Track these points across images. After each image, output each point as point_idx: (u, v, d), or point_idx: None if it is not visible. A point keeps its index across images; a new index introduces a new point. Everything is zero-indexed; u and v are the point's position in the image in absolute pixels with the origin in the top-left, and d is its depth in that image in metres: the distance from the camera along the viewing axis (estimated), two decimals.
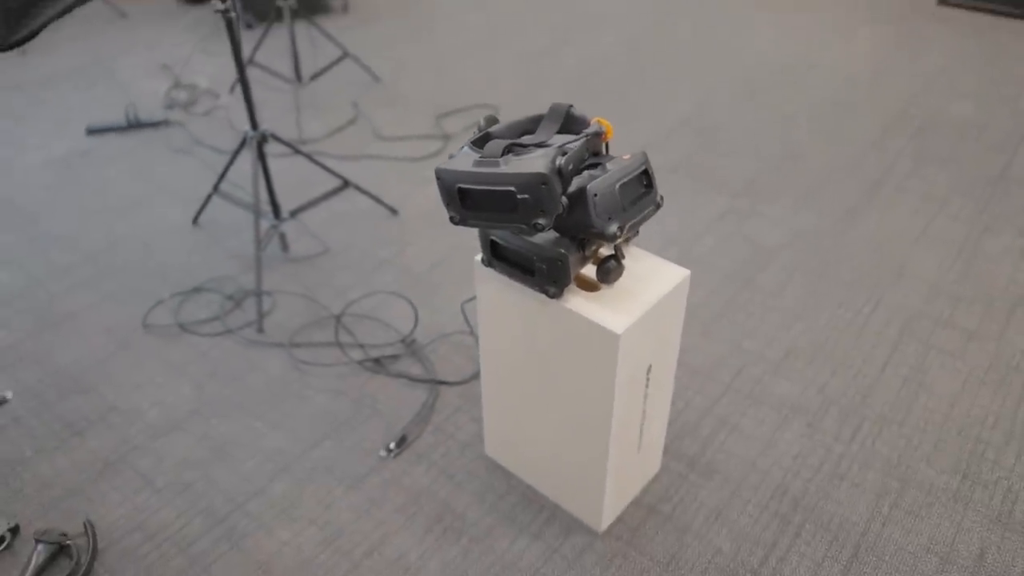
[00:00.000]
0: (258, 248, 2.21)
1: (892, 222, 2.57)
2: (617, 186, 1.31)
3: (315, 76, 3.34)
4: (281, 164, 2.93)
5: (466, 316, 2.19)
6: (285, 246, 2.43)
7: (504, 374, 1.62)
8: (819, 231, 2.53)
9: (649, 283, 1.44)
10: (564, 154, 1.24)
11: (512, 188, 1.22)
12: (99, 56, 3.86)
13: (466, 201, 1.29)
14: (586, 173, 1.32)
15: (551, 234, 1.38)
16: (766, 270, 2.36)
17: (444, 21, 4.23)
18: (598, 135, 1.35)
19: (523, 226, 1.26)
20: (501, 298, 1.51)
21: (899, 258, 2.40)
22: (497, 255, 1.46)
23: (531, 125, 1.43)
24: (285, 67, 3.64)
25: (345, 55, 3.40)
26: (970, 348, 2.06)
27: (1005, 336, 2.09)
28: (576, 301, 1.39)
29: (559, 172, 1.22)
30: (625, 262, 1.49)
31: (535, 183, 1.20)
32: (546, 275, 1.37)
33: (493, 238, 1.43)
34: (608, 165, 1.33)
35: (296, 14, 4.14)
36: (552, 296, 1.39)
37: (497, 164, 1.24)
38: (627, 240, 1.48)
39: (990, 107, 3.25)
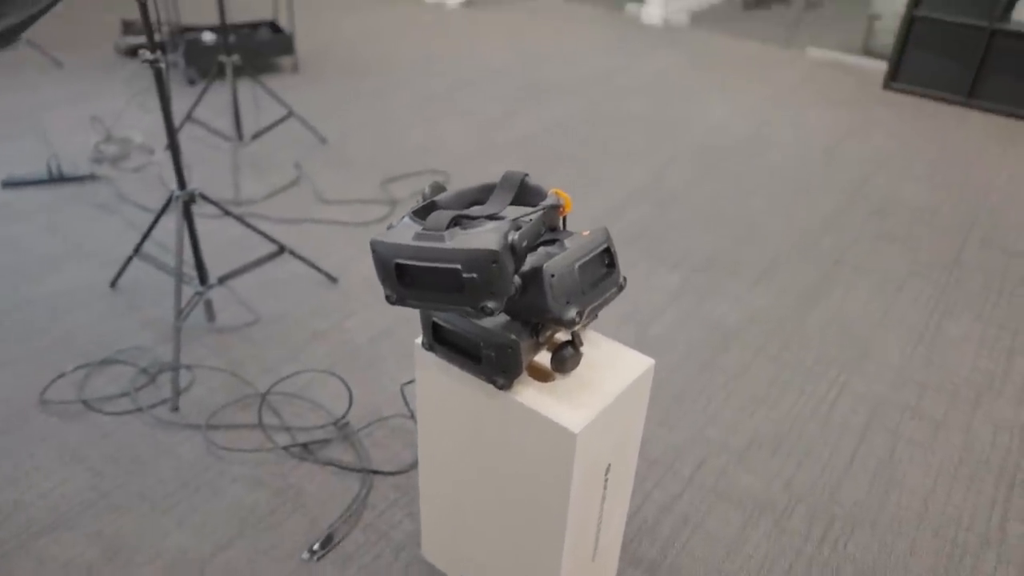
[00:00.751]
0: (178, 317, 2.01)
1: (853, 304, 2.49)
2: (576, 266, 1.17)
3: (257, 135, 3.19)
4: (212, 226, 2.75)
5: (406, 399, 2.00)
6: (211, 315, 2.23)
7: (445, 468, 1.44)
8: (780, 311, 2.44)
9: (609, 372, 1.29)
10: (518, 228, 1.10)
11: (458, 266, 1.07)
12: (28, 106, 3.65)
13: (405, 278, 1.14)
14: (542, 250, 1.18)
15: (501, 317, 1.23)
16: (727, 351, 2.25)
17: (396, 85, 4.14)
18: (555, 208, 1.22)
19: (469, 309, 1.11)
20: (443, 386, 1.34)
21: (862, 342, 2.31)
22: (440, 339, 1.29)
23: (481, 195, 1.30)
24: (227, 125, 3.48)
25: (290, 114, 3.26)
26: (939, 439, 1.95)
27: (972, 428, 2.00)
28: (528, 393, 1.23)
29: (512, 249, 1.08)
30: (583, 349, 1.34)
31: (484, 261, 1.06)
32: (494, 363, 1.21)
33: (436, 320, 1.27)
34: (567, 242, 1.19)
35: (242, 71, 4.01)
36: (500, 387, 1.23)
37: (441, 238, 1.09)
38: (585, 325, 1.34)
39: (941, 190, 3.26)
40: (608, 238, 1.24)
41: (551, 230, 1.24)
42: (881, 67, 4.59)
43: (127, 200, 2.88)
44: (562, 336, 1.35)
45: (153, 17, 4.81)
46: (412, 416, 1.94)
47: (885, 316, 2.43)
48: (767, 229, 2.91)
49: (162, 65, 1.86)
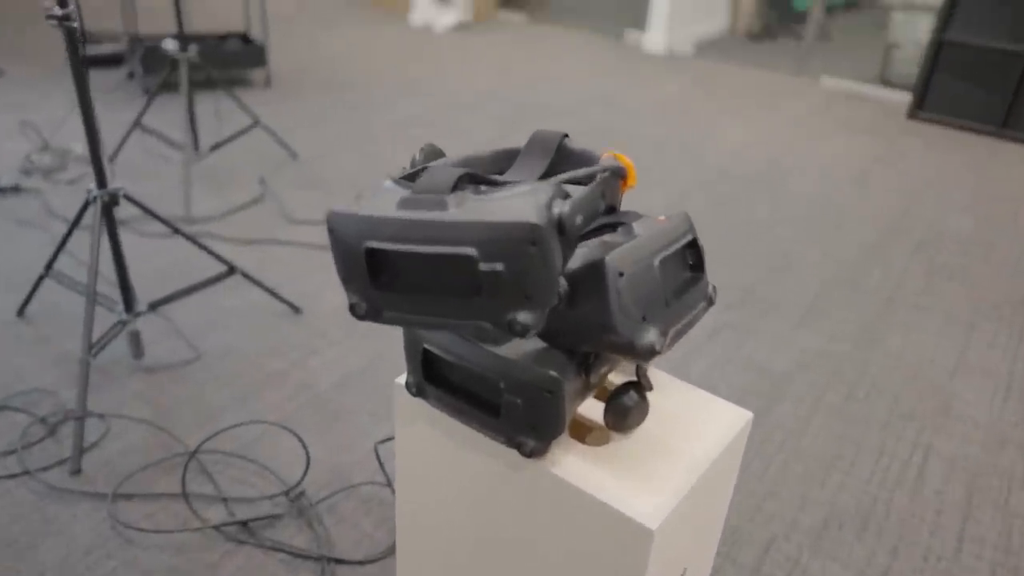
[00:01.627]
0: (87, 350, 1.55)
1: (919, 347, 2.08)
2: (656, 263, 0.75)
3: (217, 146, 2.77)
4: (156, 245, 2.30)
5: (381, 462, 1.55)
6: (138, 350, 1.77)
7: (434, 558, 0.99)
8: (835, 354, 2.03)
9: (688, 430, 0.86)
10: (565, 197, 0.68)
11: (471, 251, 0.65)
12: None
13: (382, 274, 0.71)
14: (596, 241, 0.76)
15: (532, 343, 0.80)
16: (780, 402, 1.82)
17: (378, 105, 3.76)
18: (616, 175, 0.80)
19: (487, 325, 0.68)
20: (436, 448, 0.90)
21: (940, 392, 1.90)
22: (434, 376, 0.86)
23: (499, 163, 0.88)
24: (182, 135, 3.05)
25: (256, 124, 2.85)
26: None
27: None
28: (571, 463, 0.80)
29: (559, 226, 0.66)
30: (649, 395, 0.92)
31: (517, 242, 0.64)
32: (522, 416, 0.78)
33: (428, 346, 0.84)
34: (635, 227, 0.78)
35: (205, 83, 3.61)
36: (530, 453, 0.79)
37: (443, 204, 0.67)
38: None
39: (989, 224, 2.90)
40: (692, 227, 0.82)
41: (611, 210, 0.82)
42: (902, 96, 4.29)
43: (56, 215, 2.43)
44: (617, 376, 0.92)
45: (111, 26, 4.42)
46: (389, 485, 1.49)
47: (960, 362, 2.03)
48: (802, 262, 2.51)
49: (74, 24, 1.45)
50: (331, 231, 0.71)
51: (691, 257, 0.82)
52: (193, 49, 2.67)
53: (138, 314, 1.74)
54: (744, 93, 4.37)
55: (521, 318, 0.66)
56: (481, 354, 0.79)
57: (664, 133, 3.63)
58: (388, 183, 0.72)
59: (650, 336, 0.72)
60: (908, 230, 2.80)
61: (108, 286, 2.05)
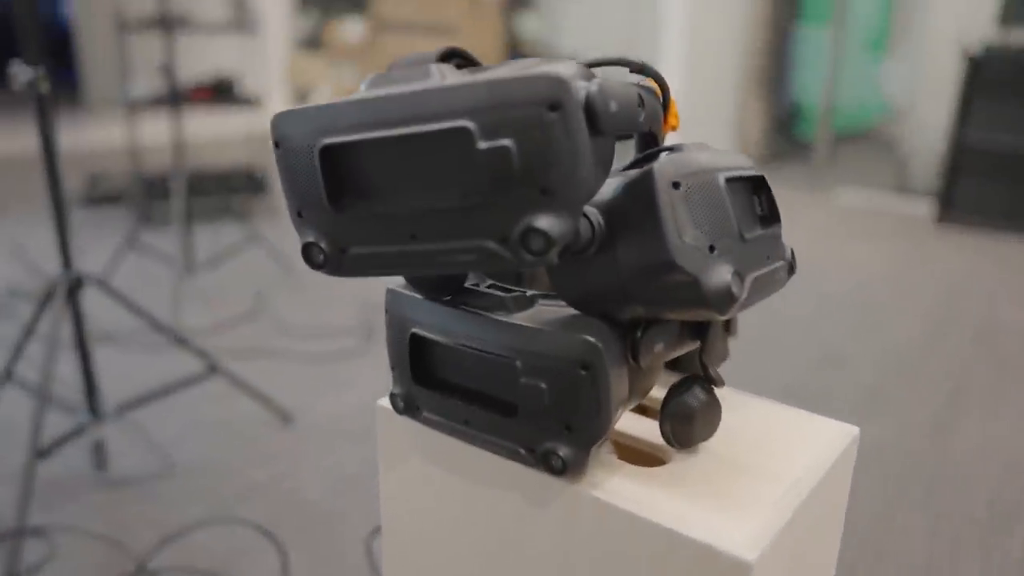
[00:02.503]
0: (32, 455, 1.32)
1: (1004, 437, 1.81)
2: (723, 180, 0.55)
3: (213, 260, 2.64)
4: (132, 349, 2.10)
5: (373, 558, 1.27)
6: (100, 460, 1.53)
7: None
8: (906, 445, 1.75)
9: (774, 448, 0.63)
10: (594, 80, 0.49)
11: (466, 123, 0.45)
12: None
13: (347, 190, 0.51)
14: (636, 171, 0.56)
15: (559, 310, 0.59)
16: (853, 498, 1.53)
17: None
18: (653, 93, 0.62)
19: (492, 244, 0.47)
20: (432, 488, 0.67)
21: None
22: (427, 377, 0.64)
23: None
24: (175, 250, 2.94)
25: (253, 237, 2.73)
26: None
27: None
28: (619, 485, 0.57)
29: (588, 108, 0.47)
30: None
31: (532, 105, 0.44)
32: (547, 409, 0.56)
33: (418, 330, 0.62)
34: (688, 148, 0.58)
35: (209, 212, 3.55)
36: (563, 469, 0.56)
37: (427, 74, 0.48)
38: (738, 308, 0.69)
39: None
40: (754, 165, 0.62)
41: (646, 144, 0.63)
42: (924, 204, 4.19)
43: (17, 293, 2.26)
44: (664, 381, 0.69)
45: (113, 165, 4.47)
46: None
47: None
48: (848, 356, 2.28)
49: (42, 90, 1.34)
50: (276, 142, 0.52)
51: (762, 204, 0.62)
52: (184, 173, 2.61)
53: (102, 417, 1.52)
54: None
55: (541, 224, 0.45)
56: (489, 327, 0.57)
57: None
58: (369, 78, 0.54)
59: (722, 273, 0.51)
60: (959, 323, 2.57)
61: (76, 393, 1.84)
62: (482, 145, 0.45)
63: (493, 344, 0.57)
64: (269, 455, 1.65)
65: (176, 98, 2.66)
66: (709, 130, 5.39)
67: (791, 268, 0.64)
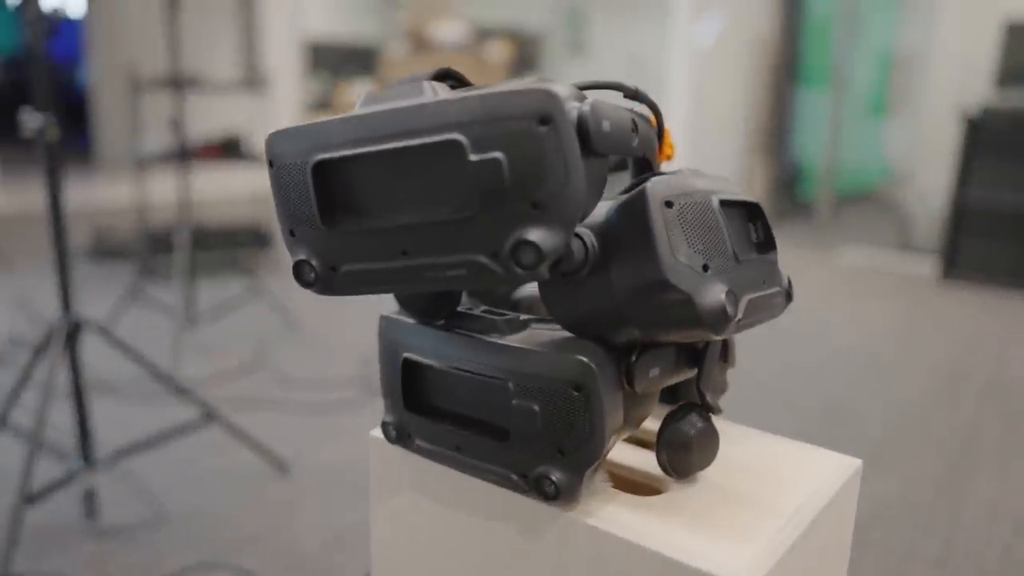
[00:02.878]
0: (20, 502, 1.30)
1: (1011, 492, 1.76)
2: (716, 202, 0.55)
3: (215, 312, 2.64)
4: (130, 400, 2.09)
5: None
6: (90, 508, 1.50)
7: None
8: (915, 501, 1.71)
9: (772, 479, 0.61)
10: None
11: (458, 136, 0.46)
12: None
13: (338, 207, 0.51)
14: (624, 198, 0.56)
15: (553, 332, 0.58)
16: (863, 555, 1.49)
17: None
18: (648, 120, 0.62)
19: (483, 259, 0.47)
20: (427, 521, 0.65)
21: None
22: (419, 403, 0.63)
23: None
24: (176, 302, 2.95)
25: (256, 290, 2.74)
26: None
27: None
28: (614, 513, 0.55)
29: (580, 127, 0.47)
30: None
31: (523, 119, 0.45)
32: (540, 432, 0.55)
33: (410, 355, 0.61)
34: (684, 172, 0.59)
35: (212, 266, 3.57)
36: (556, 494, 0.55)
37: (420, 91, 0.49)
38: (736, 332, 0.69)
39: None
40: (750, 196, 0.63)
41: (641, 170, 0.63)
42: (928, 263, 4.19)
43: (20, 342, 2.24)
44: (650, 410, 0.68)
45: (122, 220, 4.52)
46: None
47: None
48: (852, 411, 2.24)
49: (51, 140, 1.36)
50: (270, 161, 0.52)
51: (757, 231, 0.62)
52: (188, 226, 2.64)
53: (93, 465, 1.49)
54: None
55: (532, 237, 0.45)
56: (481, 349, 0.56)
57: None
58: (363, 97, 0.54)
59: (716, 292, 0.51)
60: (968, 378, 2.54)
61: (71, 440, 1.81)
62: (473, 158, 0.45)
63: (485, 366, 0.56)
64: (265, 506, 1.61)
65: (184, 155, 2.71)
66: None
67: (788, 296, 0.63)
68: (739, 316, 0.52)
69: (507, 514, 0.59)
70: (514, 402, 0.54)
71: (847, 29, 5.39)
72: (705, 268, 0.52)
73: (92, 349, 2.52)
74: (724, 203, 0.55)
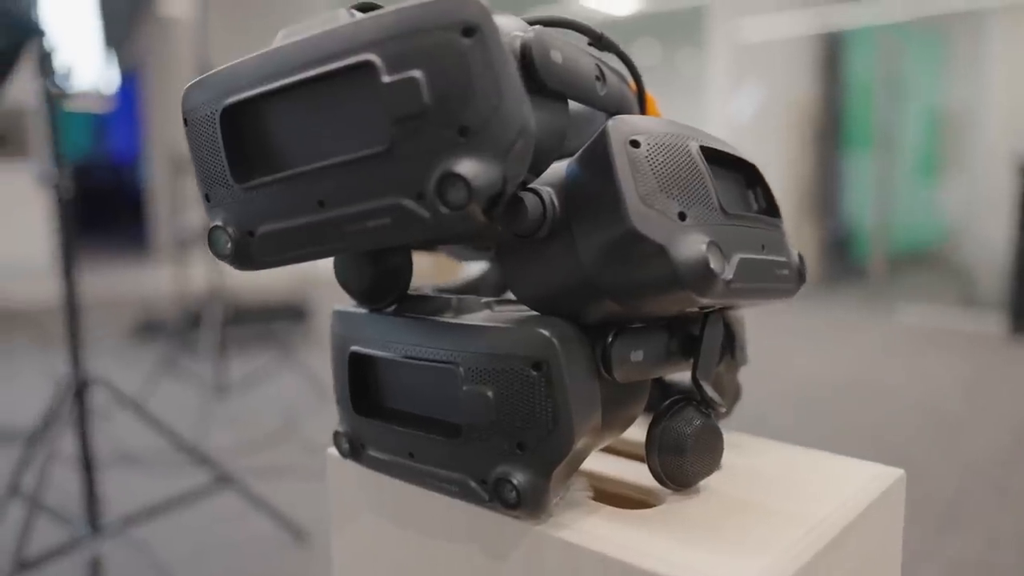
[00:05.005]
0: (14, 567, 1.23)
1: None
2: (695, 146, 0.47)
3: (247, 383, 2.60)
4: (149, 470, 2.03)
5: None
6: None
7: None
8: (999, 565, 1.52)
9: (796, 490, 0.51)
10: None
11: (371, 56, 0.39)
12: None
13: (252, 146, 0.45)
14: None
15: (513, 311, 0.50)
16: None
17: None
18: (625, 80, 0.55)
19: (407, 201, 0.40)
20: (387, 541, 0.56)
21: None
22: (371, 406, 0.55)
23: None
24: (207, 372, 2.92)
25: (290, 361, 2.70)
26: None
27: None
28: (593, 526, 0.45)
29: (526, 56, 0.41)
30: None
31: (440, 29, 0.38)
32: (495, 424, 0.46)
33: (358, 348, 0.54)
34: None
35: (246, 340, 3.57)
36: (517, 501, 0.45)
37: (337, 18, 0.43)
38: (730, 369, 0.59)
39: None
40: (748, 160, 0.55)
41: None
42: (993, 319, 3.96)
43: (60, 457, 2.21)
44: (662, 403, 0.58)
45: (165, 300, 4.58)
46: None
47: None
48: (925, 467, 2.05)
49: (66, 196, 1.36)
50: (185, 118, 0.46)
51: (758, 198, 0.54)
52: (221, 299, 2.64)
53: (102, 531, 1.43)
54: (810, 330, 4.11)
55: (460, 169, 0.38)
56: (428, 331, 0.48)
57: None
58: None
59: (695, 243, 0.42)
60: None
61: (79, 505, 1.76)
62: (387, 79, 0.38)
63: (433, 350, 0.48)
64: (280, 574, 1.52)
65: None
66: None
67: (800, 275, 0.54)
68: (729, 276, 0.44)
69: (471, 532, 0.49)
70: (464, 388, 0.46)
71: (890, 90, 5.31)
72: (682, 217, 0.43)
73: (124, 423, 2.49)
74: (710, 155, 0.48)
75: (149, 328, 3.96)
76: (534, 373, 0.44)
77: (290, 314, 3.73)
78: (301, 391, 2.91)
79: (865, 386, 2.90)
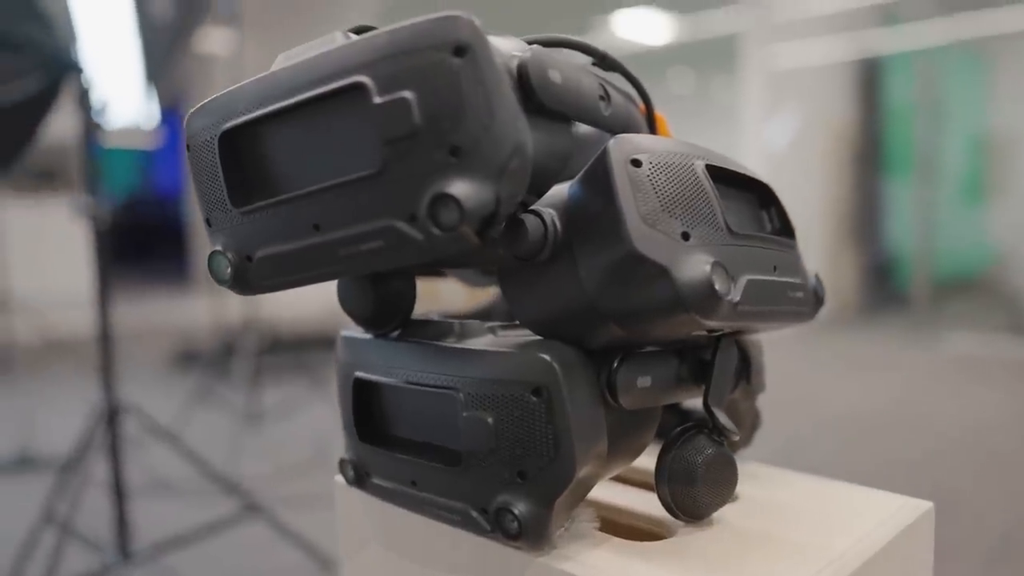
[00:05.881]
0: None
1: None
2: (701, 166, 0.46)
3: (280, 412, 2.62)
4: (185, 501, 2.04)
5: None
6: None
7: None
8: None
9: (817, 523, 0.48)
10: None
11: (361, 78, 0.39)
12: (26, 403, 3.25)
13: (250, 170, 0.45)
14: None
15: (514, 339, 0.49)
16: None
17: None
18: (632, 100, 0.55)
19: (399, 224, 0.39)
20: (393, 566, 0.55)
21: None
22: (376, 433, 0.55)
23: None
24: (240, 400, 2.94)
25: (323, 390, 2.72)
26: None
27: None
28: (600, 559, 0.44)
29: (523, 77, 0.41)
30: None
31: (432, 49, 0.38)
32: (496, 451, 0.45)
33: (362, 374, 0.53)
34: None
35: (282, 369, 3.59)
36: (518, 532, 0.44)
37: (332, 40, 0.43)
38: (748, 395, 0.57)
39: None
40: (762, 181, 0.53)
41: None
42: None
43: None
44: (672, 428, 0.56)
45: (204, 331, 4.64)
46: None
47: None
48: (969, 505, 1.98)
49: (102, 227, 1.39)
50: (187, 144, 0.47)
51: (772, 219, 0.52)
52: (256, 327, 2.67)
53: (132, 558, 1.43)
54: (853, 357, 4.01)
55: (451, 189, 0.37)
56: (430, 356, 0.48)
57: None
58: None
59: (698, 264, 0.41)
60: None
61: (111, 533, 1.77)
62: (378, 100, 0.38)
63: (433, 376, 0.47)
64: None
65: None
66: None
67: (817, 298, 0.52)
68: (735, 298, 0.42)
69: (475, 563, 0.48)
70: (464, 414, 0.45)
71: (931, 114, 5.22)
72: (685, 237, 0.42)
73: (157, 450, 2.52)
74: (718, 174, 0.46)
75: (187, 357, 4.02)
76: (534, 399, 0.43)
77: (324, 344, 3.76)
78: (332, 420, 2.91)
79: (909, 418, 2.82)
